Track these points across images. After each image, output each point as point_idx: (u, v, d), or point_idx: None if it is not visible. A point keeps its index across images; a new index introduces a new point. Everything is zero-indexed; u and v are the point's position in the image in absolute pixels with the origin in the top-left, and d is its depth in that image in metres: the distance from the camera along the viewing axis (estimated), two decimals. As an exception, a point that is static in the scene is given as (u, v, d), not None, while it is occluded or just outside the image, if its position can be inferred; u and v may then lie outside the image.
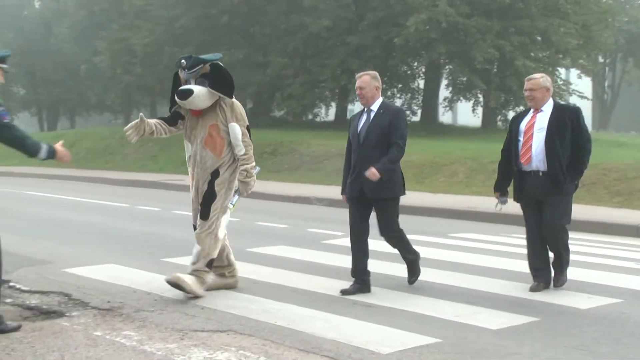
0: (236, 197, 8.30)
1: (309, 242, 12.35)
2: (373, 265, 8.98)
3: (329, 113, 45.57)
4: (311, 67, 37.13)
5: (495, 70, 36.61)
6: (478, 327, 7.29)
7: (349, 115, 43.98)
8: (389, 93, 41.66)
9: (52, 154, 7.40)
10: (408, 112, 41.71)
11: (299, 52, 38.06)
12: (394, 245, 9.02)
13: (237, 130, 8.19)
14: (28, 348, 6.49)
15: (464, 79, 38.05)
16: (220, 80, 8.24)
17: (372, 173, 8.21)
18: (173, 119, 8.56)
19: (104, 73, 46.68)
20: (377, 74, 8.92)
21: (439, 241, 13.05)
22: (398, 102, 42.70)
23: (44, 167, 29.40)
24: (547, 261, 8.87)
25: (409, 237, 9.02)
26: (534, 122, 8.68)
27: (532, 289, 8.69)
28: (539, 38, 36.06)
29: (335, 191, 20.91)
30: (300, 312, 7.73)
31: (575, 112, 8.75)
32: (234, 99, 8.46)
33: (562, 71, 43.35)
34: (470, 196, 19.72)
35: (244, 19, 39.48)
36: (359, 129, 8.66)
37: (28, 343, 6.63)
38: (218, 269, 8.59)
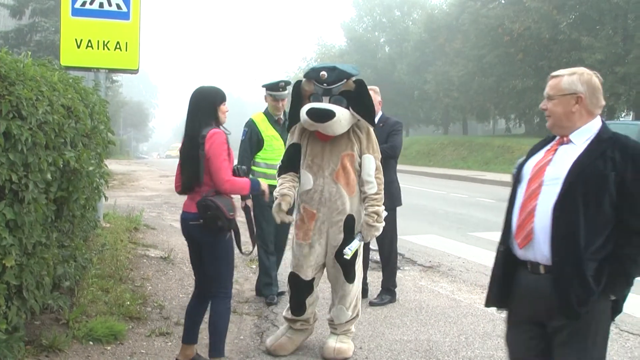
0: (357, 242, 4.79)
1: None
2: None
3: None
4: (586, 92, 35.15)
5: None
6: None
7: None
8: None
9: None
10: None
11: (577, 79, 36.08)
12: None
13: (372, 163, 4.86)
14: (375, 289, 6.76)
15: None
16: (365, 102, 4.80)
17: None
18: (294, 165, 5.04)
19: (430, 97, 47.48)
20: (377, 88, 6.26)
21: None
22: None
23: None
24: None
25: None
26: (547, 163, 3.03)
27: None
28: None
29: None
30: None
31: (635, 156, 2.87)
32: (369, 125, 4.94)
33: None
34: None
35: (535, 55, 38.16)
36: None
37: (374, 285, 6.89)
38: (303, 323, 5.10)
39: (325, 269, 5.06)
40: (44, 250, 3.98)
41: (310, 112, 4.67)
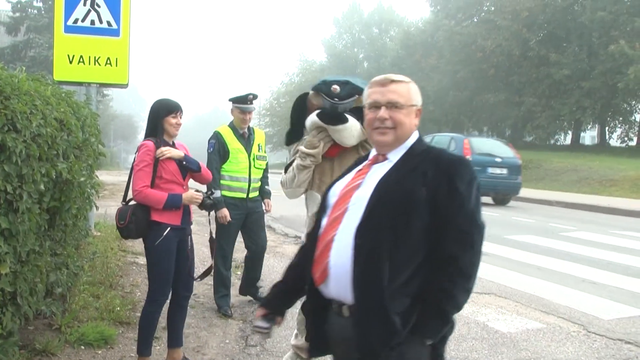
0: None
1: (550, 233, 11.76)
2: (601, 254, 8.32)
3: (566, 139, 43.17)
4: (554, 105, 35.57)
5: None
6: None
7: (581, 141, 41.56)
8: (611, 124, 38.89)
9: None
10: (625, 139, 38.70)
11: (545, 94, 36.47)
12: None
13: None
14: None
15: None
16: None
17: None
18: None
19: (407, 110, 47.71)
20: None
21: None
22: (617, 131, 39.73)
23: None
24: None
25: None
26: (357, 187, 2.31)
27: None
28: None
29: (571, 197, 20.03)
30: (543, 284, 7.41)
31: (449, 170, 2.21)
32: None
33: None
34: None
35: (506, 71, 38.61)
36: None
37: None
38: None
39: None
40: (37, 258, 3.94)
41: (321, 114, 4.10)
